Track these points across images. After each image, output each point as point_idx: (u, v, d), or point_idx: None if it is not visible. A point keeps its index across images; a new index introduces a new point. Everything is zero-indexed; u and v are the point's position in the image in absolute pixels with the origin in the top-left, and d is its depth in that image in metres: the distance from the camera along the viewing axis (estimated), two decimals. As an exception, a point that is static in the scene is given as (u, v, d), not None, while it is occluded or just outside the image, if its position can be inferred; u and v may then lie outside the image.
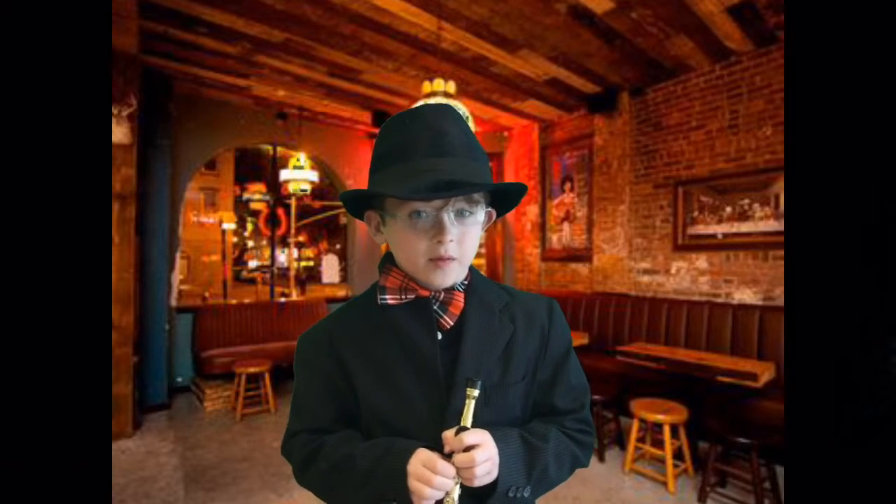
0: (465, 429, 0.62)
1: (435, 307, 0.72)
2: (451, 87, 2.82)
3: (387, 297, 0.73)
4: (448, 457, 0.62)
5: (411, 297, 0.72)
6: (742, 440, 2.48)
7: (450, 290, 0.73)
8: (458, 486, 0.62)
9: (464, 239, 0.69)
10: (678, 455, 2.91)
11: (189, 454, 3.25)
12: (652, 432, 3.21)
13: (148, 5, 2.99)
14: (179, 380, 4.62)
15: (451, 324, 0.72)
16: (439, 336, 0.72)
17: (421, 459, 0.62)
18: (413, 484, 0.61)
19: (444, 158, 0.65)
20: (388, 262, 0.76)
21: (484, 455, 0.61)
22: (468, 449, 0.61)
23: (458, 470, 0.61)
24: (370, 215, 0.75)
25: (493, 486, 0.64)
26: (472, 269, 0.77)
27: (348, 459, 0.67)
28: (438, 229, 0.66)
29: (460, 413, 0.64)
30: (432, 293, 0.72)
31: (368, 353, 0.72)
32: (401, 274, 0.73)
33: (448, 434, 0.63)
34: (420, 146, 0.66)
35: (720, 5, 3.02)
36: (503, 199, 0.76)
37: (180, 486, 2.78)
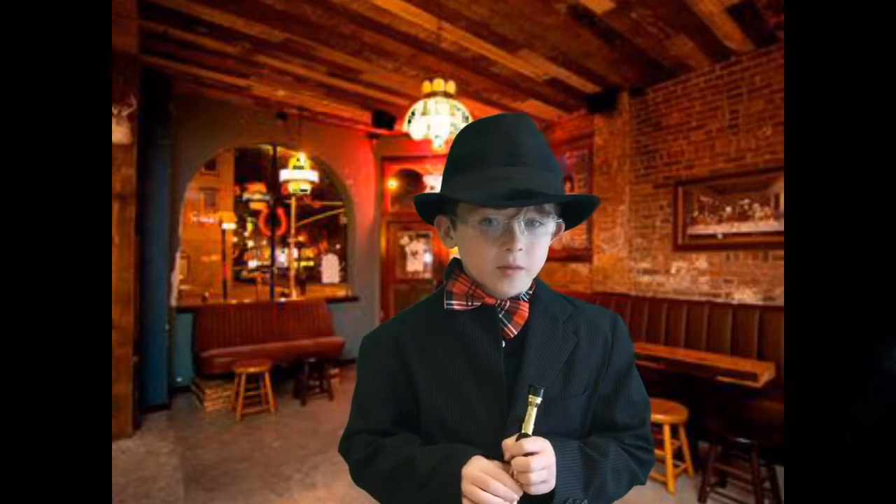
0: (525, 436, 0.62)
1: (500, 315, 0.72)
2: (451, 87, 2.82)
3: (453, 302, 0.73)
4: (508, 464, 0.62)
5: (477, 303, 0.73)
6: (742, 440, 2.48)
7: (515, 299, 0.73)
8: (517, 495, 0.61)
9: (533, 249, 0.69)
10: (678, 455, 2.91)
11: (189, 454, 3.25)
12: (651, 432, 3.21)
13: (148, 5, 2.99)
14: (179, 380, 4.62)
15: (515, 333, 0.72)
16: (503, 344, 0.72)
17: (478, 465, 0.62)
18: (466, 487, 0.60)
19: (519, 167, 0.66)
20: (456, 267, 0.77)
21: (541, 462, 0.61)
22: (527, 455, 0.61)
23: (515, 474, 0.61)
24: (441, 220, 0.76)
25: (550, 496, 0.64)
26: (537, 279, 0.77)
27: (408, 462, 0.67)
28: (508, 237, 0.67)
29: (521, 420, 0.63)
30: (498, 301, 0.72)
31: (432, 357, 0.72)
32: (468, 280, 0.73)
33: (508, 441, 0.63)
34: (496, 154, 0.66)
35: (720, 5, 3.02)
36: (573, 211, 0.75)
37: (180, 486, 2.78)
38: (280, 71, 4.08)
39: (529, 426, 0.62)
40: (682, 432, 2.86)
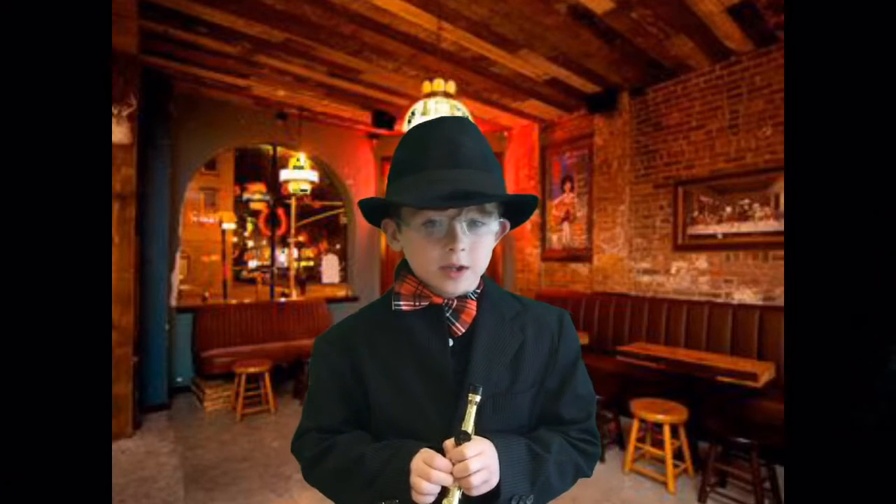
0: (465, 434, 0.63)
1: (447, 314, 0.74)
2: (451, 87, 2.81)
3: (401, 303, 0.74)
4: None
5: (425, 303, 0.74)
6: (742, 440, 2.48)
7: (462, 297, 0.75)
8: (459, 491, 0.62)
9: (476, 248, 0.70)
10: (678, 455, 2.91)
11: (189, 454, 3.25)
12: (652, 432, 3.21)
13: (148, 5, 2.99)
14: (179, 380, 4.62)
15: (463, 331, 0.74)
16: (451, 342, 0.73)
17: (422, 457, 0.64)
18: (413, 479, 0.62)
19: (459, 170, 0.67)
20: (403, 268, 0.78)
21: (478, 464, 0.62)
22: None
23: (457, 479, 0.62)
24: (387, 223, 0.78)
25: (495, 494, 0.65)
26: (485, 278, 0.79)
27: (358, 460, 0.68)
28: (451, 238, 0.68)
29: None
30: (445, 300, 0.74)
31: (381, 357, 0.74)
32: (415, 281, 0.75)
33: (448, 443, 0.64)
34: (436, 157, 0.68)
35: (720, 5, 3.02)
36: (516, 210, 0.77)
37: (180, 486, 2.78)
38: (280, 71, 4.08)
39: (469, 424, 0.64)
40: (682, 432, 2.86)
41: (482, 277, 0.78)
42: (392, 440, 0.70)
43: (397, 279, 0.77)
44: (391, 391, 0.72)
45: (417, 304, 0.74)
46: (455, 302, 0.74)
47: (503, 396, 0.72)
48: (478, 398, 0.64)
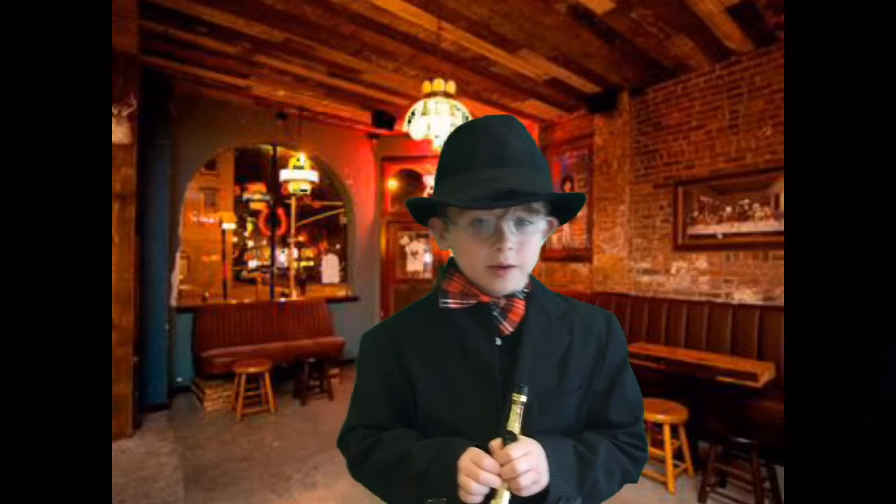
0: (511, 434, 0.63)
1: (495, 313, 0.74)
2: (451, 87, 2.81)
3: (449, 301, 0.75)
4: None
5: (473, 301, 0.74)
6: (742, 440, 2.48)
7: (510, 296, 0.74)
8: (508, 492, 0.62)
9: (523, 247, 0.70)
10: (678, 455, 2.91)
11: (189, 454, 3.25)
12: (652, 432, 3.21)
13: (148, 5, 2.99)
14: (179, 380, 4.62)
15: (511, 330, 0.74)
16: (498, 341, 0.73)
17: (470, 456, 0.63)
18: (461, 478, 0.62)
19: (506, 168, 0.67)
20: (451, 267, 0.78)
21: (526, 465, 0.61)
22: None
23: (506, 480, 0.62)
24: (434, 222, 0.78)
25: (544, 495, 0.65)
26: (532, 278, 0.79)
27: (406, 456, 0.68)
28: (498, 237, 0.68)
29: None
30: (493, 299, 0.74)
31: (428, 355, 0.74)
32: (463, 279, 0.75)
33: (495, 444, 0.64)
34: (482, 156, 0.68)
35: (720, 5, 3.02)
36: (564, 207, 0.77)
37: (180, 486, 2.78)
38: (280, 71, 4.08)
39: (514, 425, 0.63)
40: (682, 432, 2.86)
41: (529, 277, 0.78)
42: (438, 437, 0.69)
43: (444, 277, 0.77)
44: (438, 389, 0.72)
45: (465, 302, 0.74)
46: (503, 301, 0.74)
47: (550, 397, 0.72)
48: (523, 398, 0.64)
